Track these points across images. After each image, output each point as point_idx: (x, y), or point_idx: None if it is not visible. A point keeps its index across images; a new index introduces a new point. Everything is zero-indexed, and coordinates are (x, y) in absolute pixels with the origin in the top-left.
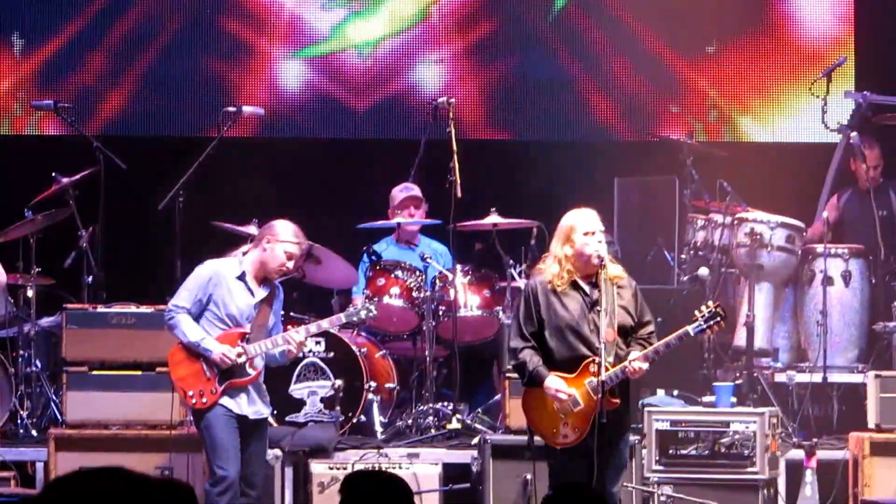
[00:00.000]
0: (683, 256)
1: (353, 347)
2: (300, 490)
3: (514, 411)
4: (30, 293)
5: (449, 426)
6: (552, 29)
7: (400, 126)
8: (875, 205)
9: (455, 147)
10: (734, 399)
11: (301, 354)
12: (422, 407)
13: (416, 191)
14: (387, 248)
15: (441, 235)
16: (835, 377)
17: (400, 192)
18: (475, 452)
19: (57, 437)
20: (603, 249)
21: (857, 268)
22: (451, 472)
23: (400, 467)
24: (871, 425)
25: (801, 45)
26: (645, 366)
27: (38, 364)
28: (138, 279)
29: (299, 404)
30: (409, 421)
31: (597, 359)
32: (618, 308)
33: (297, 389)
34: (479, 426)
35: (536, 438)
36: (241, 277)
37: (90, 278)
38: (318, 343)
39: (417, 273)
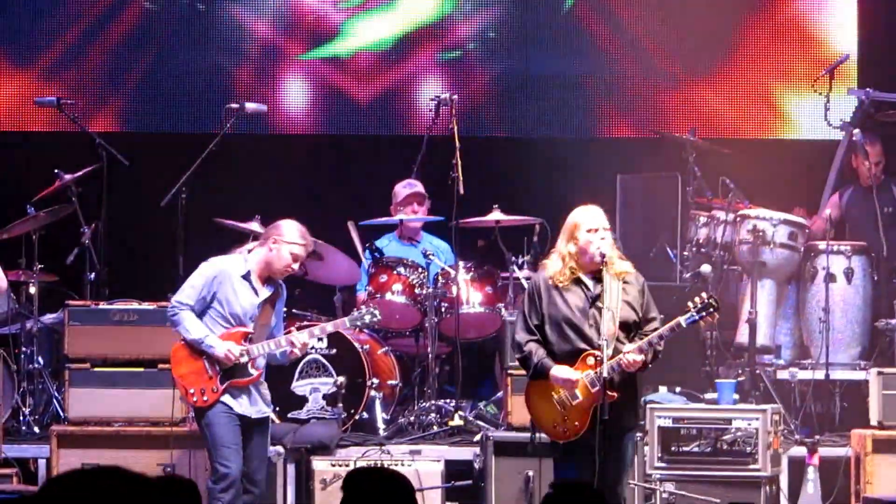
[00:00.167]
0: (686, 253)
1: (356, 344)
2: (302, 487)
3: (517, 408)
4: (32, 290)
5: (451, 423)
6: (556, 26)
7: (402, 123)
8: (877, 202)
9: (458, 144)
10: (736, 396)
11: None
12: (424, 404)
13: (419, 187)
14: (389, 245)
15: (443, 232)
16: (837, 374)
17: (403, 189)
18: (477, 449)
19: (59, 434)
20: (606, 247)
21: (859, 265)
22: (454, 469)
23: (402, 464)
24: (873, 422)
25: (804, 42)
26: (639, 358)
27: (41, 361)
28: (141, 276)
29: (301, 401)
30: (412, 418)
31: (595, 352)
32: (622, 303)
33: (300, 386)
34: (485, 417)
35: (540, 434)
36: (246, 276)
37: (92, 275)
38: (320, 340)
39: (420, 270)
